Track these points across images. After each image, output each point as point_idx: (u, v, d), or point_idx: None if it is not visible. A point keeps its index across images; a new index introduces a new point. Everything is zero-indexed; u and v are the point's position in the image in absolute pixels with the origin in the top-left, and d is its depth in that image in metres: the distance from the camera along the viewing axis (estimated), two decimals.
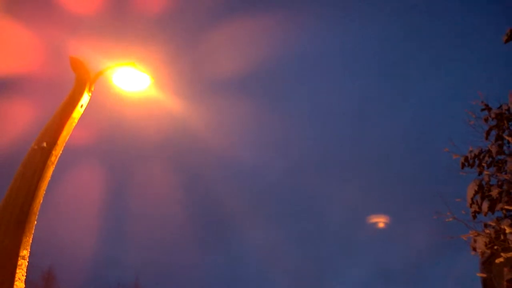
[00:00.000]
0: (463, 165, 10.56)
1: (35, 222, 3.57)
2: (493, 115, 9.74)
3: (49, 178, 3.71)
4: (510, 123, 9.57)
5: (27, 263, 3.47)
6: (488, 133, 9.97)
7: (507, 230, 6.06)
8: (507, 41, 9.80)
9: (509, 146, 9.29)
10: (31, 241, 3.54)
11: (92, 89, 4.19)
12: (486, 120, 9.87)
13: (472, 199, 10.42)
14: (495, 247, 7.73)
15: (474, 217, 10.32)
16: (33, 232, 3.54)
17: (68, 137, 3.95)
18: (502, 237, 7.69)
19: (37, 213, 3.61)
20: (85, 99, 4.08)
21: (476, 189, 10.24)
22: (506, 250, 7.02)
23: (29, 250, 3.51)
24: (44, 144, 3.72)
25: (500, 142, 9.73)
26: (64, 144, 3.91)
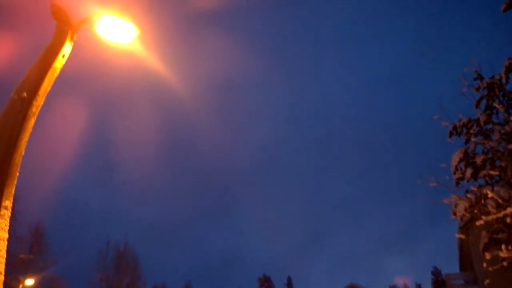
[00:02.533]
0: (450, 134, 10.67)
1: (17, 174, 3.52)
2: (484, 85, 9.72)
3: (31, 130, 3.62)
4: (500, 92, 9.58)
5: (9, 214, 3.45)
6: (478, 102, 10.00)
7: (489, 195, 6.21)
8: (505, 9, 9.59)
9: (497, 116, 9.35)
10: (13, 192, 3.50)
11: (74, 38, 4.01)
12: (477, 89, 9.85)
13: (456, 166, 10.62)
14: (475, 211, 7.96)
15: (457, 183, 10.56)
16: (15, 183, 3.50)
17: (49, 87, 3.82)
18: (482, 201, 7.90)
19: (19, 164, 3.55)
20: (67, 48, 3.90)
21: (461, 156, 10.40)
22: (485, 214, 7.23)
23: (11, 200, 3.48)
24: (24, 94, 3.59)
25: (489, 111, 9.78)
26: (45, 95, 3.78)
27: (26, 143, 3.59)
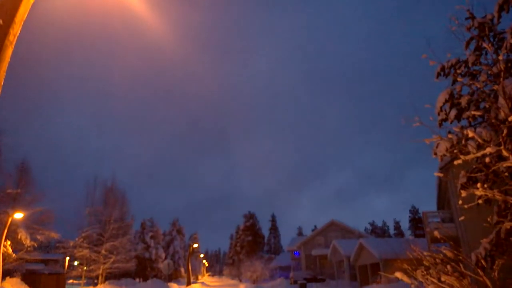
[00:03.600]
0: (438, 74, 10.67)
1: None
2: (476, 24, 9.55)
3: (9, 59, 3.47)
4: (491, 33, 9.46)
5: None
6: (468, 43, 9.88)
7: (470, 135, 6.37)
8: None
9: (486, 56, 9.31)
10: None
11: None
12: (468, 29, 9.68)
13: (441, 107, 10.75)
14: (455, 151, 8.19)
15: (441, 124, 10.77)
16: None
17: (26, 15, 3.61)
18: (463, 142, 8.12)
19: None
20: None
21: (446, 97, 10.50)
22: (465, 154, 7.46)
23: None
24: (0, 22, 3.40)
25: (478, 52, 9.72)
26: (22, 23, 3.59)
27: (5, 74, 3.47)
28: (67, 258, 47.54)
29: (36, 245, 27.17)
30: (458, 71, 9.53)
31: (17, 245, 25.70)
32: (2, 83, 3.46)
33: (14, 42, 3.49)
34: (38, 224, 26.82)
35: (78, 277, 34.65)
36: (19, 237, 25.13)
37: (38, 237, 26.85)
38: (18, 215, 21.18)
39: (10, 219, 21.14)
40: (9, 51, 3.45)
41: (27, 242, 25.64)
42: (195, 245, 56.47)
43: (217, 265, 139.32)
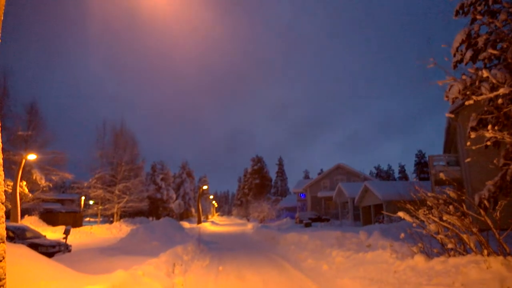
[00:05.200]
0: (457, 12, 10.15)
1: None
2: None
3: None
4: None
5: None
6: None
7: (485, 74, 6.18)
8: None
9: None
10: None
11: None
12: None
13: (457, 48, 10.36)
14: (467, 93, 8.02)
15: (455, 66, 10.44)
16: None
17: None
18: (476, 83, 7.92)
19: None
20: None
21: (464, 38, 10.07)
22: (478, 95, 7.29)
23: None
24: None
25: None
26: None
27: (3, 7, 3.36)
28: (83, 198, 49.56)
29: (51, 185, 28.24)
30: (478, 8, 9.03)
31: (33, 186, 26.74)
32: (2, 18, 3.38)
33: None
34: (52, 165, 27.65)
35: (94, 215, 36.36)
36: (34, 177, 26.06)
37: (53, 177, 27.81)
38: (31, 157, 21.76)
39: (24, 161, 21.80)
40: None
41: (42, 182, 26.62)
42: (205, 187, 58.24)
43: (226, 206, 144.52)
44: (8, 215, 22.47)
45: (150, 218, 47.94)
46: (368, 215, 30.32)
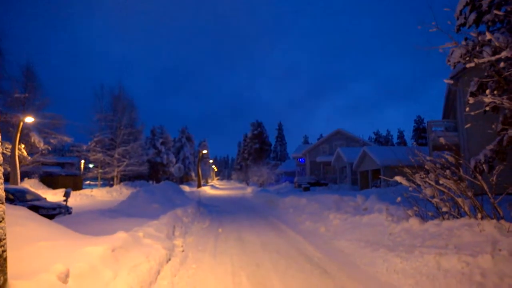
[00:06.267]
0: None
1: None
2: None
3: None
4: None
5: None
6: None
7: (488, 37, 6.02)
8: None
9: None
10: None
11: None
12: None
13: (461, 11, 10.07)
14: (468, 58, 7.87)
15: (458, 30, 10.19)
16: None
17: None
18: (478, 47, 7.75)
19: None
20: None
21: (468, 0, 9.77)
22: (479, 57, 7.15)
23: None
24: None
25: None
26: None
27: None
28: (82, 161, 49.90)
29: (50, 148, 28.33)
30: None
31: (32, 149, 26.84)
32: None
33: None
34: (50, 128, 27.62)
35: (94, 179, 36.74)
36: (32, 140, 26.09)
37: (51, 140, 27.86)
38: (29, 119, 21.67)
39: (21, 123, 21.72)
40: None
41: (41, 145, 26.69)
42: (204, 151, 58.59)
43: (225, 170, 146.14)
44: (8, 178, 22.67)
45: (150, 182, 48.56)
46: (366, 180, 30.69)
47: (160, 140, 54.88)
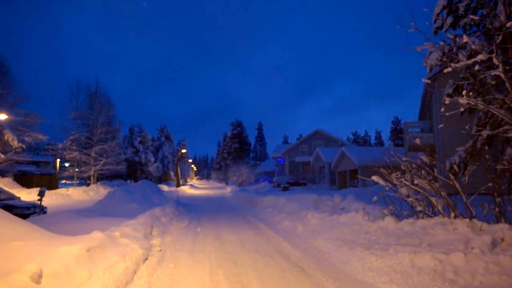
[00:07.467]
0: None
1: None
2: None
3: None
4: None
5: None
6: None
7: (464, 40, 6.20)
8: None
9: None
10: None
11: None
12: None
13: (438, 14, 10.33)
14: (445, 60, 8.08)
15: (436, 32, 10.45)
16: None
17: None
18: (454, 50, 7.97)
19: None
20: None
21: (445, 4, 10.03)
22: (455, 61, 7.36)
23: None
24: None
25: None
26: None
27: None
28: (58, 160, 48.59)
29: (24, 146, 27.43)
30: None
31: (5, 147, 25.93)
32: None
33: None
34: (24, 126, 26.76)
35: (71, 178, 35.81)
36: (6, 138, 25.22)
37: (26, 138, 26.99)
38: (2, 116, 20.94)
39: None
40: None
41: (15, 143, 25.83)
42: (183, 150, 58.06)
43: (205, 170, 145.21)
44: None
45: (128, 181, 47.74)
46: (344, 179, 31.10)
47: (139, 139, 54.04)
